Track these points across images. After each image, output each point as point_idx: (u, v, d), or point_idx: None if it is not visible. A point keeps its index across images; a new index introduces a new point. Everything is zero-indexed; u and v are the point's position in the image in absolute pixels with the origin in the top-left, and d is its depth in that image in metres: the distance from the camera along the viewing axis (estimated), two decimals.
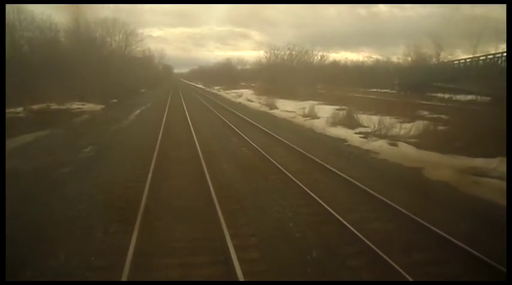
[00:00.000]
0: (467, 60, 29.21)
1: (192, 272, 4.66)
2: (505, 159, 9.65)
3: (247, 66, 70.58)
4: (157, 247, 5.18)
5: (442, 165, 10.62)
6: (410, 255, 5.12)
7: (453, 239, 5.35)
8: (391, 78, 45.01)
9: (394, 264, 4.65)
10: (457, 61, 32.52)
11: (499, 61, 23.80)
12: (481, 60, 26.09)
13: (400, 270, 4.51)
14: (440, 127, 15.81)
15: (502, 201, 7.63)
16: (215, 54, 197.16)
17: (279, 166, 9.44)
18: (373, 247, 5.07)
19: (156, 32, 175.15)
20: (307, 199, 7.22)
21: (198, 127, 16.41)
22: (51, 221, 6.06)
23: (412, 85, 36.75)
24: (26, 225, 5.88)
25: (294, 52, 41.37)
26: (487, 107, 17.44)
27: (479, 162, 10.79)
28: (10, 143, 12.79)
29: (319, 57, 42.22)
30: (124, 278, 4.26)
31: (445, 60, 38.59)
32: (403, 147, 13.29)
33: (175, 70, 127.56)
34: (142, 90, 50.19)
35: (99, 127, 16.94)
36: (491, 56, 24.85)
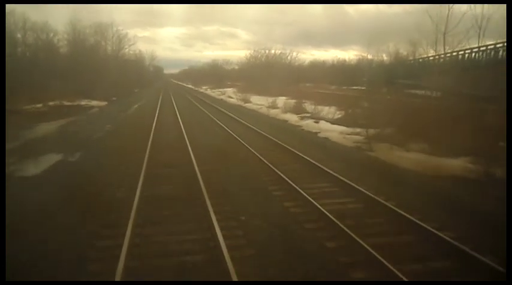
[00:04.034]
0: (430, 57, 33.64)
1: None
2: (378, 130, 16.38)
3: (235, 66, 77.24)
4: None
5: (334, 131, 17.46)
6: (269, 152, 11.77)
7: (306, 157, 11.86)
8: (371, 76, 50.54)
9: (258, 155, 11.34)
10: (427, 58, 36.60)
11: (460, 58, 26.74)
12: (444, 57, 28.70)
13: (256, 152, 11.24)
14: (359, 111, 22.64)
15: (349, 144, 14.47)
16: (203, 54, 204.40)
17: (228, 130, 16.24)
18: (256, 153, 11.77)
19: (141, 33, 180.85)
20: (237, 142, 13.91)
21: (183, 114, 23.07)
22: (107, 149, 12.76)
23: (378, 82, 42.87)
24: (94, 152, 12.60)
25: (269, 54, 48.39)
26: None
27: (360, 130, 17.57)
28: (53, 124, 19.41)
29: (289, 58, 49.24)
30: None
31: (416, 57, 43.30)
32: (322, 123, 20.09)
33: (166, 71, 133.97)
34: (136, 90, 56.68)
35: (110, 115, 23.63)
36: (455, 53, 27.26)
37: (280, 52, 48.96)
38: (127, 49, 57.80)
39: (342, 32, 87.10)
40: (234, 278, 4.40)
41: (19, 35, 40.62)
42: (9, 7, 36.18)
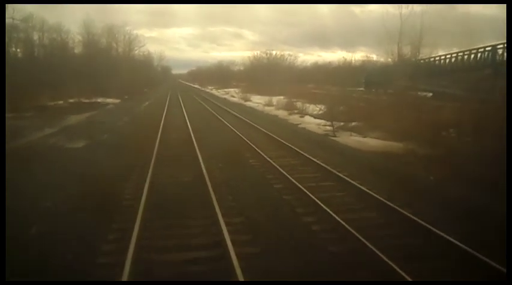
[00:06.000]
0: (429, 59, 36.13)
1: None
2: (346, 122, 20.32)
3: (241, 67, 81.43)
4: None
5: (312, 123, 21.42)
6: (251, 135, 15.72)
7: (279, 138, 15.89)
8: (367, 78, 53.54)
9: (243, 137, 15.32)
10: (428, 60, 37.97)
11: (447, 61, 29.81)
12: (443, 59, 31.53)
13: (241, 135, 15.24)
14: (342, 108, 26.54)
15: (320, 132, 18.39)
16: (211, 54, 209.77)
17: (224, 121, 20.27)
18: (241, 135, 15.74)
19: (148, 33, 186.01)
20: (228, 129, 17.89)
21: (188, 110, 27.22)
22: (128, 132, 16.88)
23: (375, 83, 46.29)
24: (118, 134, 16.74)
25: (270, 56, 52.59)
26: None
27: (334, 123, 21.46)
28: (81, 116, 23.67)
29: (288, 60, 53.37)
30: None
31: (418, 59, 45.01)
32: (306, 118, 24.05)
33: (174, 72, 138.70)
34: (145, 90, 61.14)
35: (125, 110, 27.90)
36: (449, 56, 30.03)
37: (281, 55, 53.19)
38: (137, 51, 62.56)
39: (349, 33, 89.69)
40: (209, 182, 8.41)
41: (36, 37, 45.03)
42: (27, 10, 40.68)
